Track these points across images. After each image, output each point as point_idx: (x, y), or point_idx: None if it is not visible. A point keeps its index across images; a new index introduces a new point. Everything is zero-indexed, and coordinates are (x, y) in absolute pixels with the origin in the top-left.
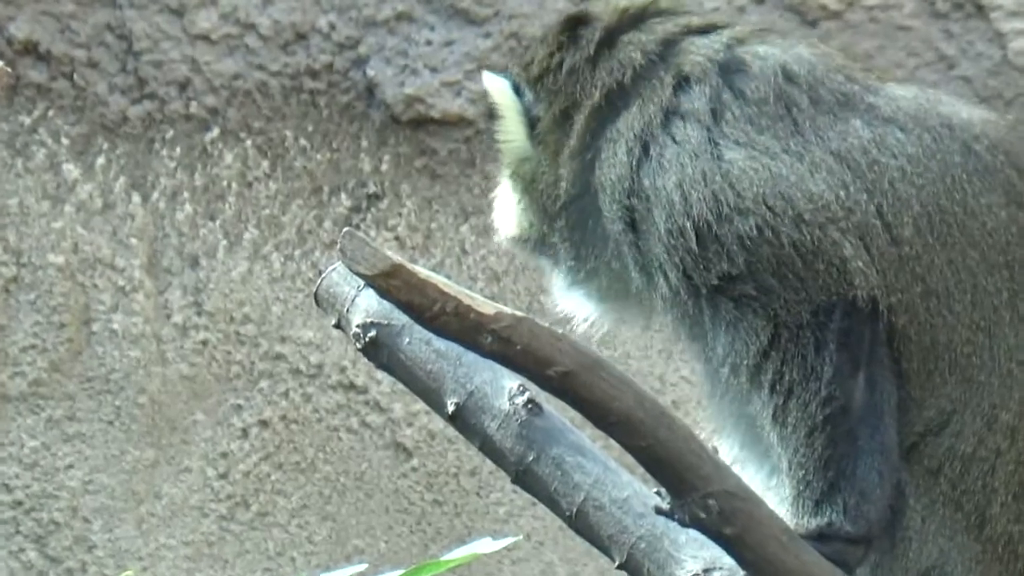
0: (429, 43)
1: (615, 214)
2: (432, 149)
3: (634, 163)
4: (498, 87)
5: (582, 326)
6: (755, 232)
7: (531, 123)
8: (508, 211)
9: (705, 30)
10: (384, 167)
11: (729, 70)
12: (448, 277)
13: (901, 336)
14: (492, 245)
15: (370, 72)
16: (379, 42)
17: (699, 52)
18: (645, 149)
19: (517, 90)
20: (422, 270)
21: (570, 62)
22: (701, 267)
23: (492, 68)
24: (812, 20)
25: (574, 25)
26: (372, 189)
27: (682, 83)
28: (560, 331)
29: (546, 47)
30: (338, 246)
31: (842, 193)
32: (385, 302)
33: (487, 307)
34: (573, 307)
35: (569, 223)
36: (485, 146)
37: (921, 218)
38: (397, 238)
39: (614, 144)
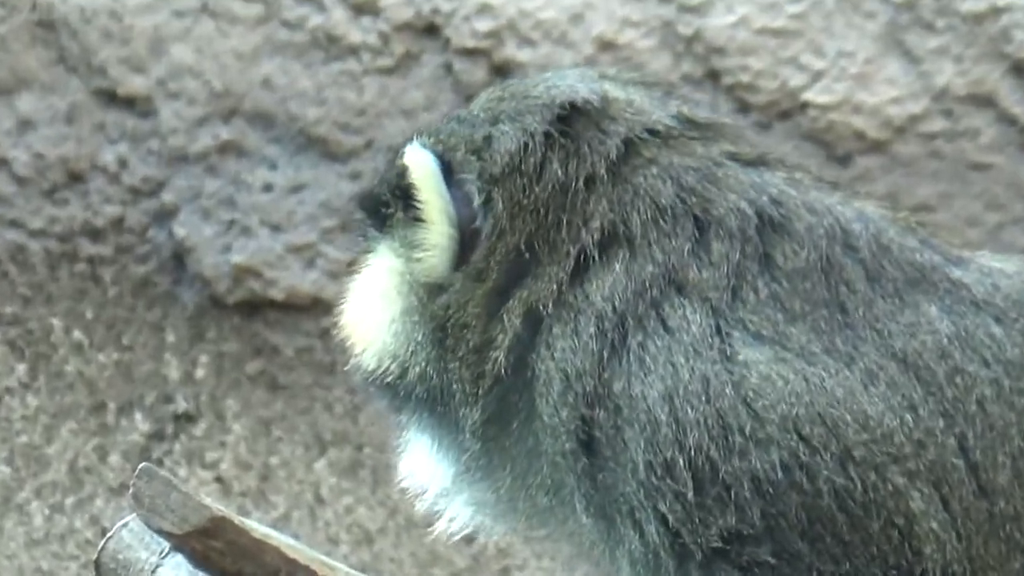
0: (268, 188)
1: (563, 424)
2: (272, 347)
3: (604, 354)
4: (425, 171)
5: (449, 531)
6: (779, 473)
7: (463, 239)
8: (375, 321)
9: (755, 163)
10: (200, 374)
11: (770, 224)
12: (296, 538)
13: None
14: (361, 491)
15: (179, 231)
16: (193, 186)
17: (739, 191)
18: (622, 334)
19: (449, 177)
20: (257, 526)
21: (562, 174)
22: (696, 520)
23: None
24: (842, 155)
25: (572, 117)
26: (182, 406)
27: (705, 233)
28: None
29: (521, 135)
30: (131, 491)
31: (909, 417)
32: (202, 575)
33: None
34: (447, 508)
35: (485, 414)
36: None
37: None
38: (219, 479)
39: (578, 317)
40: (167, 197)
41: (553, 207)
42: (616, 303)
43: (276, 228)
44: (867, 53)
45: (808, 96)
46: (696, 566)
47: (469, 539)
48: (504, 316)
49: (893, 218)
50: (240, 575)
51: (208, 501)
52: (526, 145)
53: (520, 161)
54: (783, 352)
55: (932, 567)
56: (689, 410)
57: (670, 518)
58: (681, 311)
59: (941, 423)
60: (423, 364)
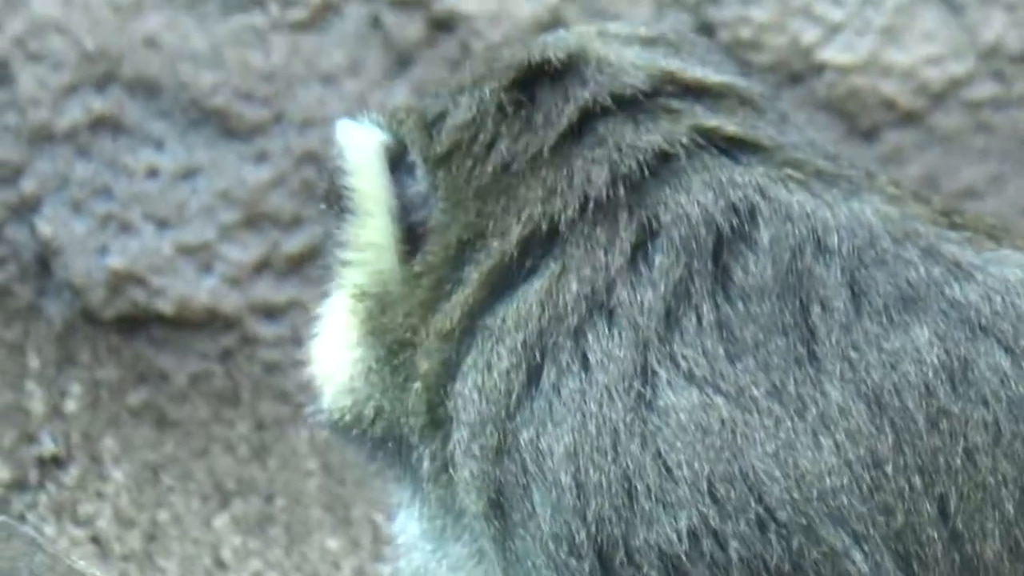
0: (153, 173)
1: (472, 480)
2: (159, 373)
3: (513, 396)
4: (361, 152)
5: None
6: (685, 543)
7: (411, 231)
8: (329, 347)
9: (744, 145)
10: (70, 407)
11: (728, 233)
12: None
13: None
14: (273, 553)
15: (43, 228)
16: (60, 172)
17: (695, 188)
18: (536, 371)
19: (396, 161)
20: None
21: (507, 154)
22: None
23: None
24: (867, 129)
25: (532, 81)
26: (49, 447)
27: (646, 241)
28: None
29: (473, 106)
30: None
31: (869, 476)
32: None
33: None
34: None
35: (434, 462)
36: (257, 363)
37: (1020, 524)
38: (96, 539)
39: (493, 343)
40: (27, 185)
41: (494, 194)
42: (531, 330)
43: (163, 224)
44: (898, 0)
45: (824, 55)
46: None
47: None
48: (428, 335)
49: (902, 217)
50: None
51: (82, 565)
52: (474, 118)
53: (468, 137)
54: (713, 396)
55: None
56: (592, 471)
57: None
58: (605, 343)
59: (918, 481)
60: (378, 398)
